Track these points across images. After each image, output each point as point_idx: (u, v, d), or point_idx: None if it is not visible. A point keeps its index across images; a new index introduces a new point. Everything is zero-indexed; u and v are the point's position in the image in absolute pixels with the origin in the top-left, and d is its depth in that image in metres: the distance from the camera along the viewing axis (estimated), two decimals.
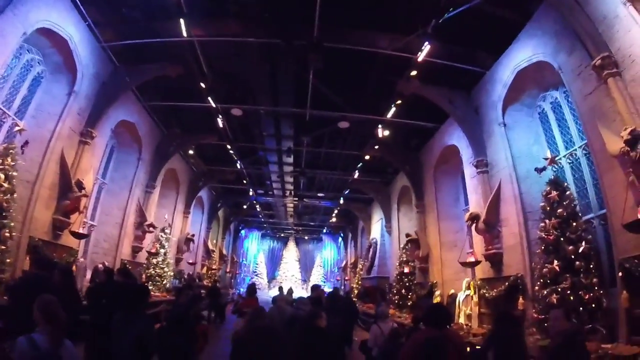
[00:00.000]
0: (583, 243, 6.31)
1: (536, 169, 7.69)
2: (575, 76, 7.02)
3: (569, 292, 6.08)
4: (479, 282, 9.49)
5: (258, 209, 28.40)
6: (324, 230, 36.55)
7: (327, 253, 40.32)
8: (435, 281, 12.65)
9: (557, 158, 7.71)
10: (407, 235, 15.01)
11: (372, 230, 23.06)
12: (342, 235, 34.92)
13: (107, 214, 12.56)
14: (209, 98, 11.77)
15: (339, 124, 13.91)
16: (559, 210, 6.69)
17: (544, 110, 9.07)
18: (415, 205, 15.34)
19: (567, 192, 6.93)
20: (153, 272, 13.62)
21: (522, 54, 8.65)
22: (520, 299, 7.71)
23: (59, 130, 8.92)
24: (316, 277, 38.42)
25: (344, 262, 32.02)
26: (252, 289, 8.11)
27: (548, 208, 6.94)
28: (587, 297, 5.92)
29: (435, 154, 13.84)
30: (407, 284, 14.76)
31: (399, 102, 11.24)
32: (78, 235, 9.20)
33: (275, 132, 15.42)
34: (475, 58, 10.23)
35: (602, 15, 6.22)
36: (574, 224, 6.54)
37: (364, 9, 9.31)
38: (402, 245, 16.21)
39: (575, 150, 7.94)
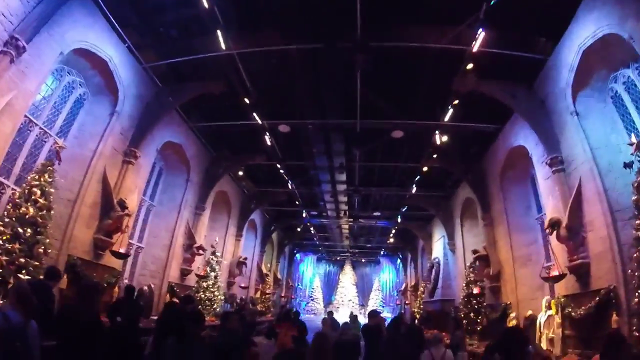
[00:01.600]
0: None
1: (625, 165, 6.64)
2: None
3: None
4: (562, 300, 8.29)
5: (312, 232, 28.13)
6: (382, 252, 35.52)
7: (385, 276, 39.09)
8: (508, 302, 11.40)
9: None
10: (475, 251, 13.89)
11: (434, 250, 21.86)
12: (400, 256, 33.66)
13: (154, 236, 12.77)
14: (254, 114, 11.78)
15: (393, 133, 13.37)
16: None
17: (617, 92, 8.02)
18: (481, 218, 14.23)
19: None
20: (203, 295, 13.55)
21: (585, 30, 7.75)
22: (614, 315, 6.59)
23: (100, 149, 9.20)
24: (374, 301, 37.26)
25: (404, 285, 30.68)
26: (288, 313, 8.02)
27: None
28: None
29: (500, 159, 12.80)
30: (475, 306, 13.51)
31: (455, 102, 10.56)
32: (119, 255, 9.26)
33: (326, 148, 15.10)
34: (533, 45, 9.39)
35: None
36: None
37: (407, 1, 8.88)
38: (468, 264, 15.07)
39: None
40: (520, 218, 12.33)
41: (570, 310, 7.82)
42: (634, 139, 6.41)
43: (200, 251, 13.93)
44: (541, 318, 8.91)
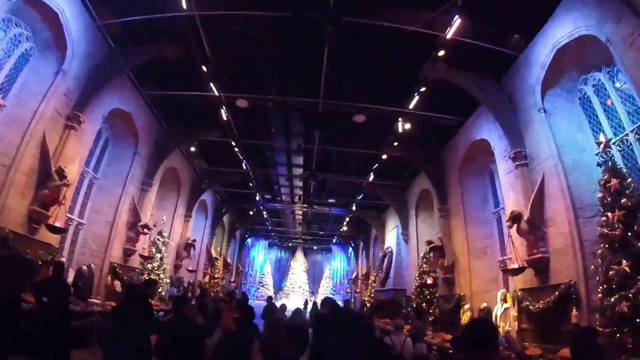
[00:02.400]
0: None
1: (599, 164, 6.67)
2: (628, 46, 6.24)
3: None
4: (520, 293, 8.42)
5: (265, 216, 27.62)
6: (334, 240, 35.65)
7: (337, 264, 39.47)
8: (462, 294, 11.60)
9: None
10: (429, 242, 14.03)
11: (387, 239, 22.08)
12: (352, 245, 33.97)
13: (97, 212, 11.77)
14: (212, 85, 11.07)
15: (355, 117, 13.07)
16: (623, 200, 5.72)
17: (585, 94, 8.24)
18: (437, 209, 14.38)
19: (629, 180, 5.94)
20: (147, 278, 12.73)
21: (562, 30, 7.86)
22: (574, 310, 6.72)
23: (41, 110, 8.21)
24: (325, 289, 37.56)
25: (355, 274, 31.03)
26: (230, 294, 7.77)
27: (608, 199, 5.96)
28: None
29: (461, 152, 12.91)
30: (428, 297, 13.72)
31: (422, 89, 10.42)
32: (55, 230, 8.37)
33: (284, 128, 14.65)
34: (506, 41, 9.43)
35: None
36: None
37: None
38: (421, 255, 15.29)
39: (627, 135, 7.05)
40: (477, 211, 12.54)
41: (527, 303, 7.96)
42: (602, 138, 6.49)
43: (145, 230, 13.04)
44: (497, 310, 9.06)
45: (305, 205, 23.81)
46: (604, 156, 6.41)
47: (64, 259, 9.29)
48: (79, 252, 11.09)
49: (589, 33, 7.10)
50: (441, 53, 9.16)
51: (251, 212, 27.37)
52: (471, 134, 12.15)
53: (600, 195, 6.20)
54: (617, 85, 7.34)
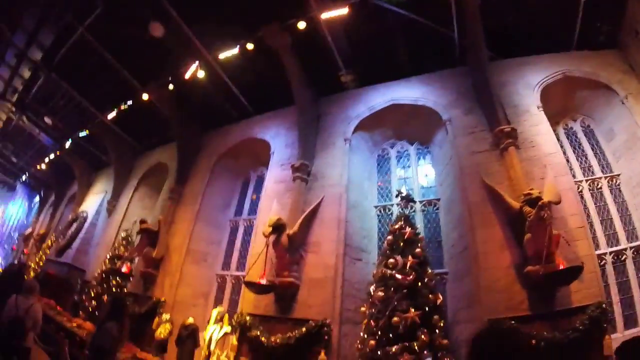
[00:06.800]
0: None
1: None
2: None
3: None
4: (248, 319, 6.87)
5: None
6: (24, 178, 27.41)
7: (14, 209, 30.98)
8: (163, 299, 9.30)
9: None
10: (142, 221, 11.14)
11: (87, 202, 17.43)
12: (42, 195, 26.85)
13: None
14: None
15: None
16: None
17: None
18: (169, 189, 11.96)
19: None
20: None
21: None
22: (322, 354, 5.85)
23: None
24: None
25: (30, 230, 24.35)
26: None
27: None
28: None
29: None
30: (115, 289, 10.74)
31: None
32: None
33: None
34: None
35: None
36: None
37: None
38: (123, 234, 12.43)
39: None
40: (215, 212, 11.14)
41: (258, 334, 6.53)
42: None
43: None
44: (213, 333, 7.23)
45: (13, 107, 16.70)
46: None
47: None
48: None
49: None
50: None
51: None
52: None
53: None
54: None
